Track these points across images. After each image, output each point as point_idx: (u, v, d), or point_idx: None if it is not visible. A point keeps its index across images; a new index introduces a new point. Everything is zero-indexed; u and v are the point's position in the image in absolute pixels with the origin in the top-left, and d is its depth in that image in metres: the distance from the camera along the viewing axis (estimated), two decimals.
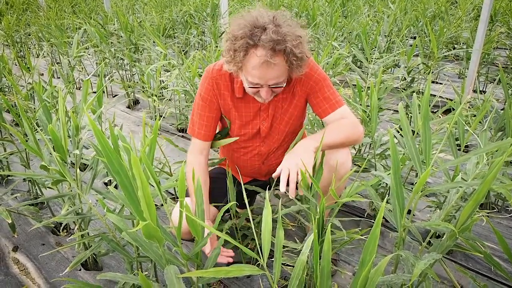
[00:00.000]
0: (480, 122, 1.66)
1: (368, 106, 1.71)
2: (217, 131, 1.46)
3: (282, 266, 1.49)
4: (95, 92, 3.58)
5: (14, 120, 3.03)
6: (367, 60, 2.46)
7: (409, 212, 1.61)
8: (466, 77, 2.93)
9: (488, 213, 1.79)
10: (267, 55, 1.12)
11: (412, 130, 1.38)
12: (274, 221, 1.54)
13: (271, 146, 1.45)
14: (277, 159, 1.50)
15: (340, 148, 1.33)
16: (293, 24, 1.17)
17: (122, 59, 3.55)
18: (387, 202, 1.35)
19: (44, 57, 4.64)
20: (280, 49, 1.12)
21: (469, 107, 2.19)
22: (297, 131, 1.47)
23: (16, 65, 4.45)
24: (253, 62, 1.15)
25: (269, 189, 1.62)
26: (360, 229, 1.70)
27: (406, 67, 2.66)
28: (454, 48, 4.24)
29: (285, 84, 1.24)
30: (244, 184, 1.54)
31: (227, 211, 1.54)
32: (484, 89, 3.39)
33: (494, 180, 0.76)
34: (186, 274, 0.78)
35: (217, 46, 3.03)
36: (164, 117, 3.05)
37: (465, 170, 1.18)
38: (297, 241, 1.62)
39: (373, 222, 1.60)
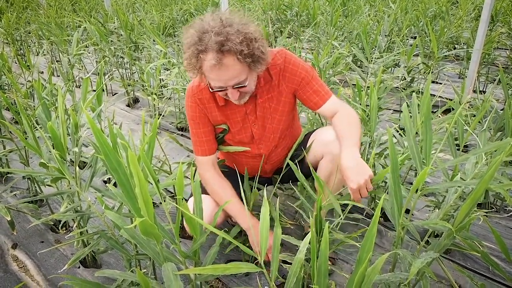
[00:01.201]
0: (479, 122, 1.66)
1: (368, 105, 1.71)
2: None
3: (281, 264, 1.49)
4: (94, 90, 3.58)
5: (13, 118, 3.03)
6: (367, 59, 2.45)
7: (407, 211, 1.61)
8: (466, 77, 2.93)
9: (486, 213, 1.79)
10: (215, 57, 1.12)
11: None
12: (272, 219, 1.54)
13: (269, 146, 1.45)
14: (278, 157, 1.51)
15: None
16: (241, 23, 1.17)
17: (122, 57, 3.55)
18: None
19: (44, 55, 4.64)
20: (226, 49, 1.12)
21: (468, 107, 2.19)
22: (291, 125, 1.48)
23: (16, 63, 4.45)
24: (206, 67, 1.16)
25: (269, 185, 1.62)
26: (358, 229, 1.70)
27: (406, 66, 2.66)
28: (454, 48, 4.24)
29: (247, 83, 1.22)
30: (244, 181, 1.55)
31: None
32: (484, 89, 3.39)
33: (492, 179, 0.76)
34: (183, 271, 0.78)
35: None
36: (163, 116, 3.05)
37: (464, 170, 1.18)
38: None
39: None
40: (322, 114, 1.40)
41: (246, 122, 1.40)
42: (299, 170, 1.25)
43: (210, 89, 1.24)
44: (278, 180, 1.50)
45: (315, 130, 1.52)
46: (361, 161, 1.16)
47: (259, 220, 1.35)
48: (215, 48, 1.12)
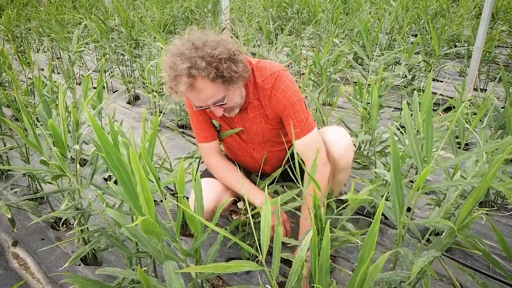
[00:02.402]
0: (480, 120, 1.66)
1: (369, 103, 1.71)
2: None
3: (282, 263, 1.49)
4: (95, 88, 3.58)
5: (14, 115, 3.03)
6: (368, 57, 2.45)
7: (408, 209, 1.61)
8: (467, 75, 2.92)
9: (487, 211, 1.79)
10: (187, 82, 1.14)
11: None
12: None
13: (262, 153, 1.47)
14: (276, 158, 1.51)
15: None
16: (211, 45, 1.17)
17: (122, 54, 3.54)
18: (386, 199, 1.35)
19: (44, 52, 4.63)
20: (194, 74, 1.13)
21: (469, 105, 2.19)
22: (283, 131, 1.45)
23: (16, 60, 4.44)
24: (181, 90, 1.18)
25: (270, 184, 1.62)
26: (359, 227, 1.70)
27: (407, 64, 2.65)
28: (455, 46, 4.23)
29: (226, 100, 1.23)
30: (247, 176, 1.55)
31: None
32: (485, 87, 3.38)
33: (493, 178, 0.76)
34: (185, 269, 0.78)
35: None
36: (164, 113, 3.05)
37: (465, 168, 1.18)
38: (297, 238, 1.62)
39: (373, 219, 1.60)
40: (301, 148, 1.36)
41: (234, 127, 1.42)
42: (299, 170, 1.24)
43: (194, 108, 1.27)
44: (277, 178, 1.50)
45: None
46: None
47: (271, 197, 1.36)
48: (185, 73, 1.14)
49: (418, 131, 1.41)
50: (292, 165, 1.33)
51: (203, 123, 1.41)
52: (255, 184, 1.44)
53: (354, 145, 2.05)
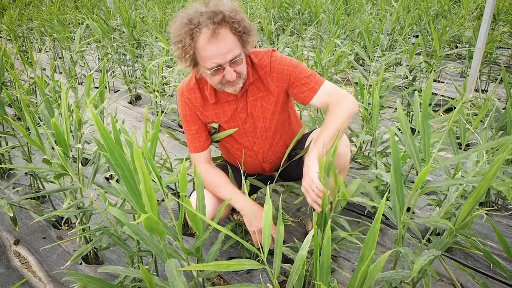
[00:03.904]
0: (481, 121, 1.66)
1: (370, 104, 1.71)
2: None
3: (282, 263, 1.49)
4: (97, 87, 3.59)
5: (16, 114, 3.04)
6: (369, 58, 2.45)
7: (408, 209, 1.62)
8: (468, 76, 2.93)
9: (488, 211, 1.79)
10: (211, 30, 1.16)
11: (414, 128, 1.38)
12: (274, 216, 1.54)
13: (263, 145, 1.46)
14: (275, 156, 1.50)
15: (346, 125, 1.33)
16: (225, 3, 1.23)
17: (124, 54, 3.55)
18: (387, 199, 1.35)
19: (46, 51, 4.64)
20: (220, 19, 1.17)
21: (470, 106, 2.19)
22: (286, 123, 1.47)
23: (18, 59, 4.46)
24: (202, 42, 1.18)
25: (270, 183, 1.63)
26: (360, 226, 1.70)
27: (408, 65, 2.66)
28: (456, 47, 4.23)
29: (244, 58, 1.26)
30: (246, 178, 1.55)
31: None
32: (486, 88, 3.39)
33: (494, 178, 0.76)
34: (186, 267, 0.78)
35: None
36: (165, 113, 3.06)
37: (465, 168, 1.18)
38: (297, 238, 1.63)
39: (373, 220, 1.61)
40: (315, 106, 1.39)
41: (237, 120, 1.41)
42: (299, 169, 1.25)
43: (208, 71, 1.23)
44: (277, 177, 1.50)
45: (315, 129, 1.52)
46: (309, 170, 1.20)
47: (254, 202, 1.35)
48: (208, 22, 1.16)
49: (418, 131, 1.41)
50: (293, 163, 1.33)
51: (195, 133, 1.42)
52: (253, 185, 1.44)
53: (355, 145, 2.06)
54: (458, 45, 4.21)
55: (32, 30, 4.99)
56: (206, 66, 1.22)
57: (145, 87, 3.08)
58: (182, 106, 1.41)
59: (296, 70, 1.34)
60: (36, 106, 1.95)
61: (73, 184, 1.36)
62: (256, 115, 1.39)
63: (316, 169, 1.17)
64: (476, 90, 3.11)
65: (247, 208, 1.33)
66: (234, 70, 1.23)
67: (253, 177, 1.55)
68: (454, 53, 4.29)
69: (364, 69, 3.04)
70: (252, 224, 1.34)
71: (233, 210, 1.73)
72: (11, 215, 1.49)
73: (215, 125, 1.43)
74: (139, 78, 3.50)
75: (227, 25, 1.18)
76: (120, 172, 0.78)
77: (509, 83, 1.72)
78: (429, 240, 1.50)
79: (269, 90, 1.37)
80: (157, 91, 2.76)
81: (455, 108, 1.80)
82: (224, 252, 1.61)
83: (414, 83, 2.89)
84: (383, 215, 1.82)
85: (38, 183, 1.96)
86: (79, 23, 4.36)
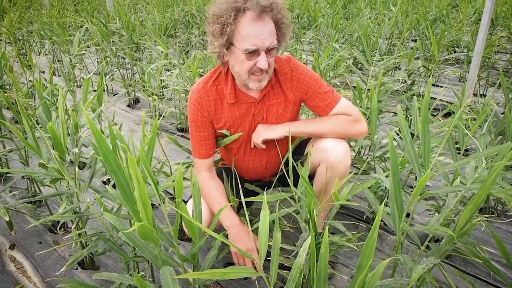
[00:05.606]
0: (480, 126, 1.66)
1: (368, 108, 1.71)
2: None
3: (279, 270, 1.48)
4: (95, 91, 3.58)
5: (13, 118, 3.03)
6: (367, 62, 2.45)
7: (407, 215, 1.61)
8: (466, 80, 2.93)
9: (487, 217, 1.79)
10: (258, 10, 1.16)
11: (412, 133, 1.38)
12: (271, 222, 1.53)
13: (270, 149, 1.45)
14: (279, 162, 1.50)
15: (335, 137, 1.35)
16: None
17: (123, 58, 3.55)
18: (385, 205, 1.35)
19: (45, 55, 4.64)
20: (268, 5, 1.16)
21: (469, 111, 2.19)
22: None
23: (17, 62, 4.45)
24: (246, 20, 1.17)
25: (268, 188, 1.62)
26: (358, 232, 1.69)
27: (406, 69, 2.66)
28: (455, 52, 4.24)
29: (279, 48, 1.26)
30: (245, 184, 1.54)
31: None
32: (484, 93, 3.39)
33: (493, 185, 0.75)
34: (182, 275, 0.77)
35: None
36: (164, 117, 3.05)
37: (464, 174, 1.17)
38: (295, 243, 1.61)
39: (372, 225, 1.60)
40: None
41: (252, 122, 1.39)
42: (297, 175, 1.24)
43: (242, 54, 1.20)
44: (275, 182, 1.49)
45: None
46: (273, 129, 1.35)
47: (242, 222, 1.35)
48: (256, 3, 1.15)
49: (417, 136, 1.41)
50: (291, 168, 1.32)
51: (203, 139, 1.40)
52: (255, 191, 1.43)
53: (354, 150, 2.05)
54: (456, 49, 4.22)
55: (31, 33, 4.99)
56: (243, 47, 1.18)
57: (143, 90, 3.08)
58: (194, 110, 1.37)
59: (316, 84, 1.35)
60: (34, 109, 1.94)
61: (69, 189, 1.35)
62: (270, 121, 1.39)
63: (263, 137, 1.35)
64: (475, 95, 3.11)
65: (234, 227, 1.32)
66: (267, 61, 1.22)
67: (253, 183, 1.55)
68: (452, 57, 4.30)
69: (363, 73, 3.04)
70: (232, 246, 1.32)
71: None
72: (7, 219, 1.47)
73: (226, 132, 1.41)
74: (138, 81, 3.50)
75: (274, 14, 1.18)
76: (115, 177, 0.77)
77: (507, 87, 1.71)
78: (428, 247, 1.49)
79: (286, 97, 1.37)
80: (156, 95, 2.75)
81: (453, 112, 1.80)
82: (222, 258, 1.60)
83: (412, 88, 2.89)
84: (382, 220, 1.81)
85: (34, 187, 1.95)
86: (78, 27, 4.36)
